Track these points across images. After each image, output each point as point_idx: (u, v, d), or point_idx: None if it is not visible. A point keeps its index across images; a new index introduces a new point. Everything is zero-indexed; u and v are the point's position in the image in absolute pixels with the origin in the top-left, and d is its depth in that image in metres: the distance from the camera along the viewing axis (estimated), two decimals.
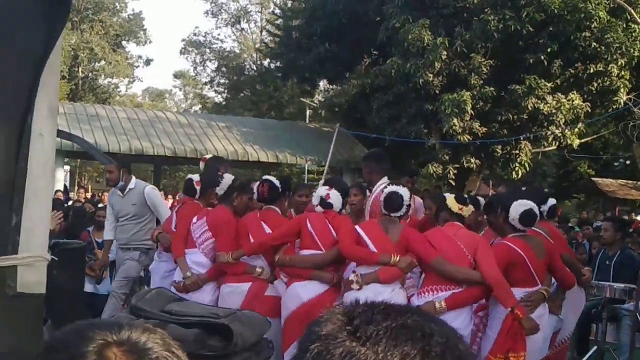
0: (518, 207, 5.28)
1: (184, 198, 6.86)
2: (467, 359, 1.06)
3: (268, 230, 5.70)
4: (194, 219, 5.94)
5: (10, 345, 2.37)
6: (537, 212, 5.37)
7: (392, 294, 5.13)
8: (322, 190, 5.74)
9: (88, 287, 8.80)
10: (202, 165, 7.04)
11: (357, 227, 5.45)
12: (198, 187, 6.30)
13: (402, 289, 5.37)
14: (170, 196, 20.90)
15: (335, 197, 5.64)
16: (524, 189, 6.97)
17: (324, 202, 5.61)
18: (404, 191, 5.38)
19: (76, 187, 27.78)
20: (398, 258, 5.15)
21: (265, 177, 6.18)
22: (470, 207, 5.54)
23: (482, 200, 6.80)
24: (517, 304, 4.99)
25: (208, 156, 7.13)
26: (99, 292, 9.17)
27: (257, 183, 6.05)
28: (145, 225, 7.66)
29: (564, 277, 5.59)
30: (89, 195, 21.00)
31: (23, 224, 2.33)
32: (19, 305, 2.38)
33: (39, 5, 2.34)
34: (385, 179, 6.20)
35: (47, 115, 2.38)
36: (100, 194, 20.12)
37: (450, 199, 5.52)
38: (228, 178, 6.01)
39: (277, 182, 5.95)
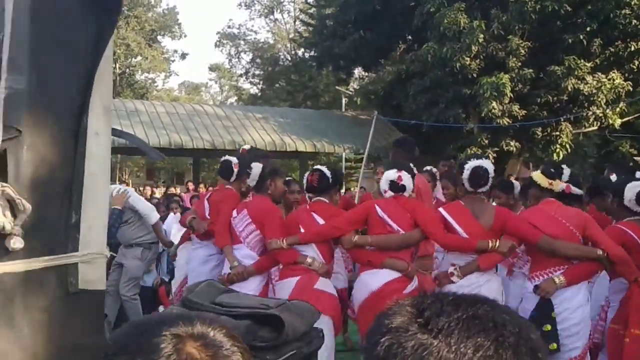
0: (633, 188, 5.11)
1: (219, 184, 6.78)
2: (541, 349, 1.06)
3: (321, 221, 5.46)
4: (233, 213, 5.77)
5: (74, 342, 2.42)
6: None
7: (489, 283, 5.06)
8: (391, 174, 5.36)
9: None
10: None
11: (442, 210, 5.30)
12: (236, 170, 6.18)
13: (497, 274, 5.29)
14: (210, 188, 21.08)
15: (407, 180, 5.35)
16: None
17: (396, 186, 5.32)
18: (488, 165, 5.20)
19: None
20: (497, 243, 5.00)
21: (317, 166, 5.91)
22: (559, 182, 5.32)
23: (516, 183, 6.86)
24: None
25: (247, 147, 7.07)
26: (146, 284, 9.32)
27: (307, 173, 5.85)
28: (134, 224, 7.69)
29: None
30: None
31: (82, 222, 2.38)
32: (81, 302, 2.43)
33: (90, 4, 2.37)
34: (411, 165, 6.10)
35: (102, 113, 2.43)
36: (142, 188, 20.37)
37: (537, 174, 5.35)
38: (257, 167, 5.85)
39: (328, 173, 5.70)
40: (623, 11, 16.40)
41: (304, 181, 5.78)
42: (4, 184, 2.21)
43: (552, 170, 5.51)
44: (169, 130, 19.35)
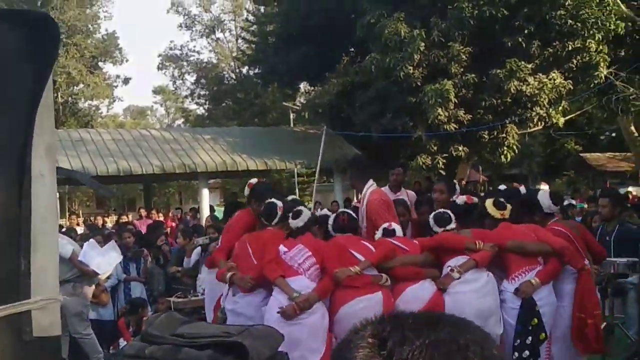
0: (544, 195, 6.46)
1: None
2: None
3: (370, 246, 5.83)
4: (282, 248, 5.70)
5: None
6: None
7: (488, 278, 5.71)
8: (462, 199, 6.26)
9: (91, 315, 8.77)
10: (247, 190, 6.59)
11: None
12: (280, 213, 6.01)
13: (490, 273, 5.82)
14: (161, 214, 20.85)
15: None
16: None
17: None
18: (448, 212, 6.11)
19: (67, 213, 27.66)
20: (482, 244, 5.75)
21: (342, 209, 6.39)
22: (509, 207, 6.17)
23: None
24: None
25: (253, 181, 6.86)
26: (103, 318, 9.16)
27: (335, 215, 6.23)
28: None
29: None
30: (81, 220, 20.93)
31: (32, 267, 2.31)
32: (37, 349, 2.35)
33: (27, 46, 2.31)
34: (370, 182, 6.56)
35: (46, 154, 2.36)
36: (93, 218, 20.04)
37: (489, 206, 6.16)
38: (306, 213, 6.05)
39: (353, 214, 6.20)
40: (558, 12, 16.77)
41: (332, 222, 6.09)
42: None
43: (501, 200, 6.28)
44: (117, 158, 19.09)
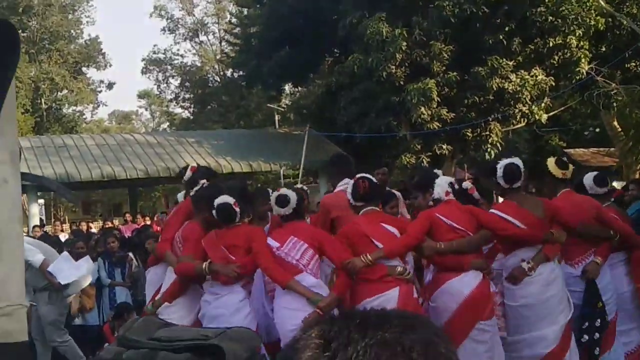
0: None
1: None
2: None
3: (393, 230, 5.23)
4: (273, 243, 5.24)
5: None
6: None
7: (553, 265, 5.42)
8: (447, 179, 5.57)
9: (77, 320, 8.75)
10: (188, 174, 6.16)
11: (496, 211, 5.52)
12: (238, 210, 5.42)
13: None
14: (147, 217, 20.77)
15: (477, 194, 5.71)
16: None
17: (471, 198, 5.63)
18: (519, 161, 5.51)
19: (52, 220, 27.52)
20: (558, 233, 5.43)
21: (362, 174, 5.49)
22: (571, 167, 5.98)
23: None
24: None
25: (194, 165, 6.58)
26: (88, 324, 9.12)
27: (353, 181, 5.42)
28: (30, 270, 7.24)
29: None
30: (66, 227, 20.81)
31: None
32: (3, 355, 2.35)
33: None
34: (345, 180, 6.04)
35: (9, 160, 2.35)
36: (78, 224, 19.93)
37: (552, 165, 5.88)
38: (293, 197, 5.35)
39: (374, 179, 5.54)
40: (539, 9, 16.85)
41: (351, 189, 5.36)
42: None
43: (563, 158, 6.28)
44: (101, 163, 19.02)
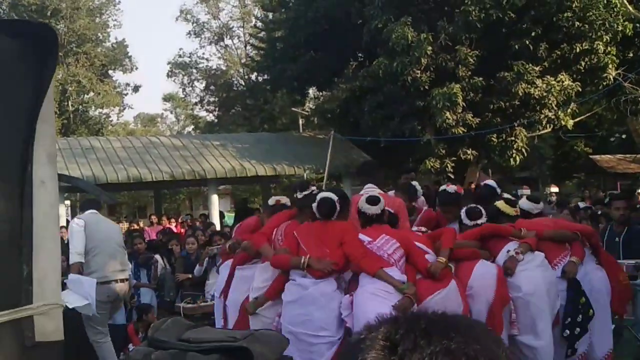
0: None
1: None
2: None
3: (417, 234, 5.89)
4: (365, 237, 5.47)
5: None
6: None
7: (542, 255, 5.96)
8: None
9: None
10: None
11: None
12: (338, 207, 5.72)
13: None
14: (172, 220, 20.93)
15: None
16: None
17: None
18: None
19: None
20: (526, 231, 6.04)
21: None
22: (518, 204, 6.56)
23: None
24: None
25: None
26: (116, 323, 9.19)
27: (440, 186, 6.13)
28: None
29: None
30: None
31: (35, 273, 2.34)
32: (39, 354, 2.38)
33: (26, 56, 2.35)
34: (368, 186, 6.64)
35: (47, 162, 2.39)
36: None
37: (502, 206, 6.37)
38: (382, 200, 5.77)
39: None
40: (565, 14, 16.74)
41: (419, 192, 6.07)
42: None
43: (511, 198, 6.79)
44: (127, 165, 19.17)
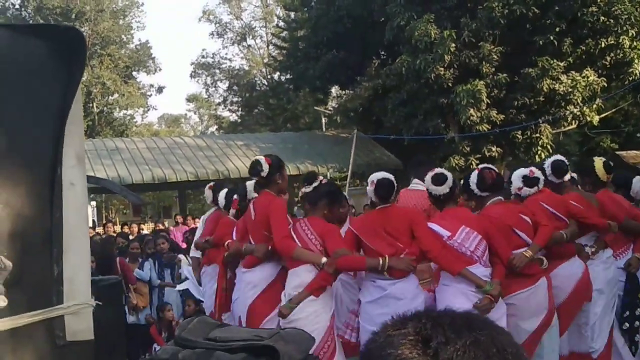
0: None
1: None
2: None
3: (528, 219, 5.34)
4: (443, 232, 5.06)
5: None
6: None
7: (610, 251, 5.90)
8: (523, 170, 5.63)
9: (130, 319, 8.89)
10: (265, 167, 5.65)
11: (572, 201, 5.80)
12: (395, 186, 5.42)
13: None
14: (197, 219, 21.01)
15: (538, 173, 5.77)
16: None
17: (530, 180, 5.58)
18: (562, 157, 6.12)
19: (104, 221, 28.01)
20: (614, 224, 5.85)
21: (485, 165, 5.63)
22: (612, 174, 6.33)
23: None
24: None
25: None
26: (141, 322, 9.27)
27: (478, 172, 5.36)
28: None
29: None
30: (117, 228, 21.16)
31: (65, 274, 2.37)
32: (70, 354, 2.41)
33: (55, 59, 2.38)
34: (415, 181, 6.34)
35: (76, 163, 2.42)
36: (129, 226, 20.26)
37: (600, 167, 6.15)
38: (450, 174, 5.40)
39: None
40: (590, 9, 16.60)
41: (477, 180, 5.32)
42: None
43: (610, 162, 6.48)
44: (151, 165, 19.31)
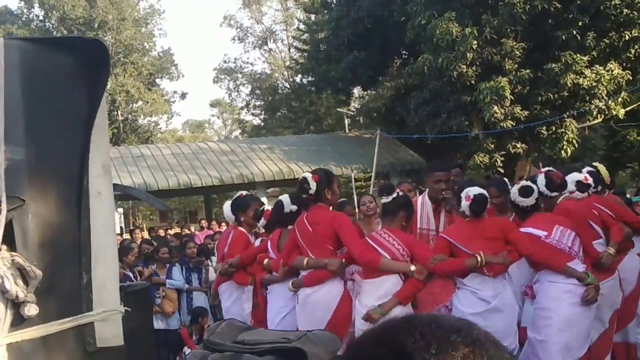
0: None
1: None
2: None
3: (607, 211, 5.85)
4: (539, 232, 5.32)
5: None
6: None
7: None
8: (576, 175, 5.82)
9: (159, 325, 8.95)
10: (313, 184, 5.59)
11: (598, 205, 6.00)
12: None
13: None
14: (222, 224, 21.11)
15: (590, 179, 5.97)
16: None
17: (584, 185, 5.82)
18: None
19: (131, 227, 28.24)
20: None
21: (548, 168, 6.02)
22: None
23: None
24: None
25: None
26: (170, 328, 9.34)
27: (544, 174, 5.74)
28: None
29: None
30: (144, 234, 21.33)
31: (94, 282, 2.41)
32: (100, 359, 2.46)
33: (80, 70, 2.43)
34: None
35: (102, 173, 2.47)
36: (156, 231, 20.42)
37: (602, 170, 6.32)
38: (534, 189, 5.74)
39: None
40: (613, 2, 16.45)
41: (545, 182, 5.67)
42: (13, 254, 2.25)
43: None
44: (177, 171, 19.46)
